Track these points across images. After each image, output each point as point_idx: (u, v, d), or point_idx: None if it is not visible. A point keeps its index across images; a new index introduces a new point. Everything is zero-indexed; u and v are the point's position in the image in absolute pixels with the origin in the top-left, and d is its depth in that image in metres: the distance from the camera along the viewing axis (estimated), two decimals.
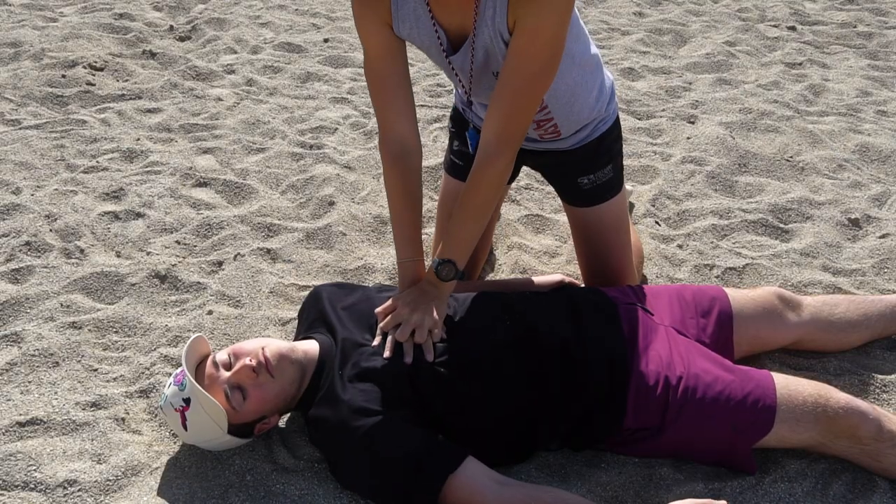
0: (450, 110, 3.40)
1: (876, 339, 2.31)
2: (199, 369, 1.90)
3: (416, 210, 2.07)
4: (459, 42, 1.92)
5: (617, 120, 2.25)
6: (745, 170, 3.21)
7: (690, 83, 3.99)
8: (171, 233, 2.75)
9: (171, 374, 2.13)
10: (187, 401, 1.80)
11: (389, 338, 1.91)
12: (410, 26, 1.92)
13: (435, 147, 3.33)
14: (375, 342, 1.92)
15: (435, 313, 1.93)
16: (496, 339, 1.94)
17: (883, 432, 1.86)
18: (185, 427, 1.82)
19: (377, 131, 3.44)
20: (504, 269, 2.65)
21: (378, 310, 1.98)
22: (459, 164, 2.36)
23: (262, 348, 1.86)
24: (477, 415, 1.88)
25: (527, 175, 3.11)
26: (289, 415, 2.06)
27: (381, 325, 1.95)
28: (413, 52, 3.94)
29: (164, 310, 2.41)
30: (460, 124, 2.33)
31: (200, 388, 1.80)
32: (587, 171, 2.23)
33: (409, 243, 2.05)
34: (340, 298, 2.08)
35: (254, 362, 1.83)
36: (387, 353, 1.88)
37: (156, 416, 2.05)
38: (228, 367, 1.86)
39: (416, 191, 2.07)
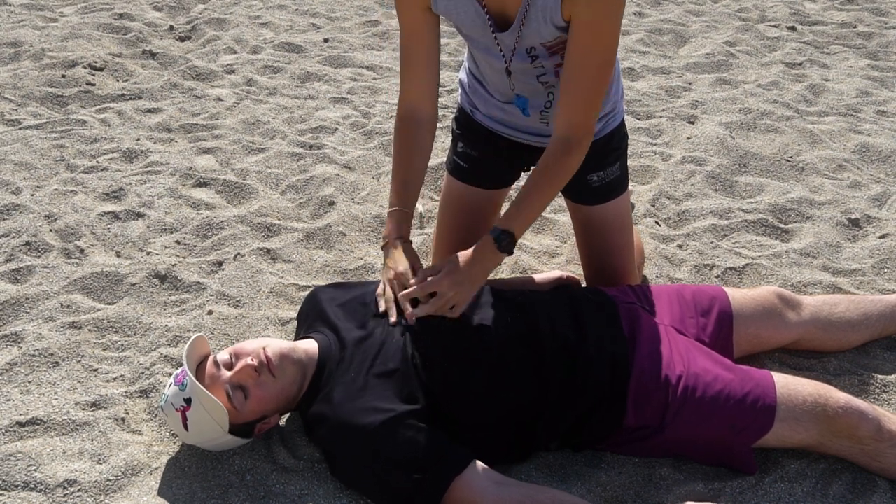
0: (453, 111, 3.40)
1: (876, 339, 2.32)
2: (199, 369, 1.90)
3: (417, 164, 2.12)
4: (500, 19, 1.94)
5: (623, 119, 2.26)
6: (745, 170, 3.21)
7: (690, 83, 3.99)
8: (171, 233, 2.75)
9: (171, 375, 2.14)
10: (188, 401, 1.80)
11: (392, 307, 1.96)
12: (447, 4, 1.95)
13: (435, 147, 3.32)
14: (382, 307, 1.97)
15: (472, 294, 1.97)
16: (500, 336, 1.94)
17: (882, 432, 1.86)
18: (185, 427, 1.82)
19: (377, 131, 3.45)
20: (504, 269, 2.65)
21: (425, 268, 1.99)
22: (464, 166, 2.35)
23: (264, 348, 1.86)
24: (479, 411, 1.88)
25: (527, 174, 3.11)
26: (289, 414, 2.06)
27: (413, 282, 1.96)
28: None
29: (164, 310, 2.41)
30: (465, 126, 2.33)
31: (202, 387, 1.80)
32: (597, 168, 2.23)
33: (402, 193, 2.10)
34: (339, 297, 2.08)
35: (255, 362, 1.83)
36: (392, 319, 1.94)
37: (156, 416, 2.05)
38: (230, 366, 1.86)
39: (421, 146, 2.13)
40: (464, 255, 1.97)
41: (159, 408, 1.90)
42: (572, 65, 1.89)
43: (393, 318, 1.95)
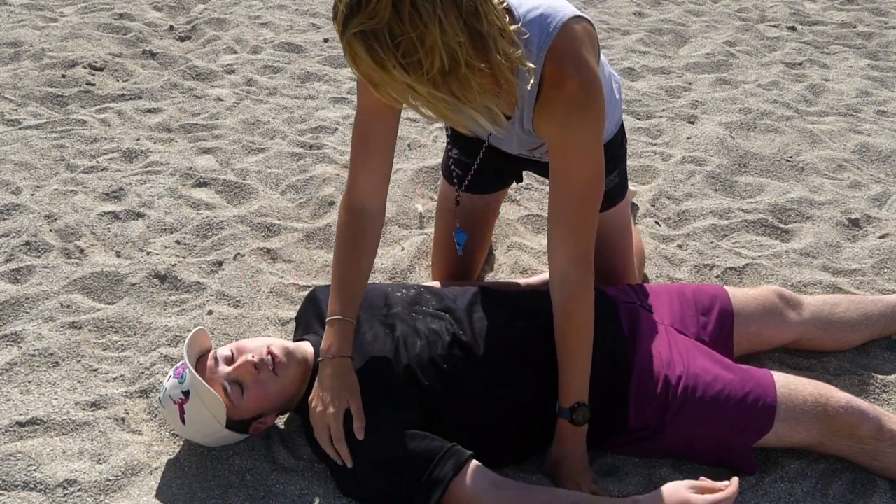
0: None
1: (876, 339, 2.32)
2: (199, 363, 1.89)
3: (363, 265, 1.94)
4: None
5: (622, 127, 2.23)
6: (745, 170, 3.21)
7: (690, 83, 3.99)
8: (171, 233, 2.75)
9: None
10: (186, 393, 1.79)
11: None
12: None
13: (435, 147, 3.33)
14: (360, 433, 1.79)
15: (588, 466, 1.89)
16: (497, 335, 1.94)
17: (883, 431, 1.86)
18: (182, 420, 1.81)
19: None
20: (504, 269, 2.65)
21: None
22: (460, 173, 2.34)
23: (268, 346, 1.86)
24: (477, 411, 1.88)
25: (527, 175, 3.11)
26: (288, 415, 2.06)
27: None
28: None
29: (164, 310, 2.41)
30: (458, 132, 2.30)
31: (201, 380, 1.79)
32: None
33: (345, 299, 1.88)
34: None
35: (256, 358, 1.82)
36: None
37: (156, 416, 2.05)
38: (230, 362, 1.85)
39: (368, 245, 1.95)
40: (557, 455, 1.88)
41: (158, 399, 1.90)
42: (555, 193, 1.81)
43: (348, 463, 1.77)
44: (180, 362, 1.86)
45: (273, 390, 1.85)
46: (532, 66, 1.65)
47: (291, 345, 1.91)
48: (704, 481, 1.73)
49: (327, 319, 1.88)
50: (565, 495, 1.75)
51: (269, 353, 1.84)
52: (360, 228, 1.94)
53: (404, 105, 1.58)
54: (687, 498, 1.68)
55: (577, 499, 1.74)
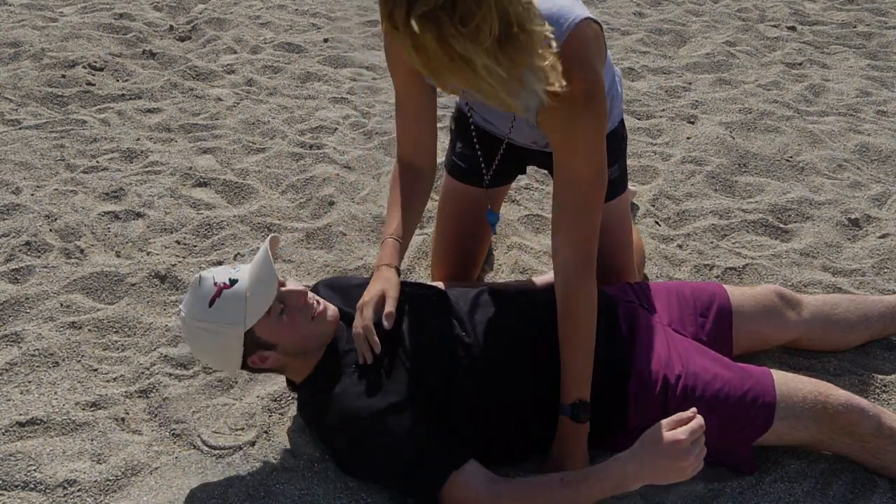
0: (451, 110, 3.39)
1: (876, 339, 2.32)
2: None
3: (416, 204, 2.06)
4: None
5: (622, 120, 2.24)
6: (745, 170, 3.21)
7: (690, 83, 3.99)
8: (171, 233, 2.75)
9: (170, 375, 2.15)
10: (233, 281, 1.79)
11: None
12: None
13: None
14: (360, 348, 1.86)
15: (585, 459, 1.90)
16: (500, 336, 1.94)
17: (883, 429, 1.86)
18: (210, 303, 1.77)
19: (377, 131, 3.45)
20: (504, 269, 2.65)
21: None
22: (463, 166, 2.35)
23: (313, 294, 1.90)
24: (479, 412, 1.88)
25: (527, 174, 3.11)
26: (288, 414, 2.06)
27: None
28: None
29: (164, 310, 2.41)
30: (463, 126, 2.31)
31: (272, 260, 1.79)
32: None
33: (399, 224, 2.01)
34: (341, 289, 2.08)
35: (310, 294, 1.87)
36: (368, 360, 1.84)
37: (156, 415, 2.05)
38: (281, 285, 1.86)
39: (420, 190, 2.06)
40: (558, 454, 1.88)
41: (197, 277, 1.82)
42: (558, 189, 1.84)
43: (368, 360, 1.83)
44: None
45: (301, 330, 1.84)
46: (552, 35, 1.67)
47: (332, 307, 1.93)
48: (676, 415, 1.68)
49: (382, 240, 2.00)
50: (555, 475, 1.75)
51: (316, 300, 1.88)
52: (412, 177, 2.07)
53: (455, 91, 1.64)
54: (663, 435, 1.65)
55: (564, 474, 1.75)
